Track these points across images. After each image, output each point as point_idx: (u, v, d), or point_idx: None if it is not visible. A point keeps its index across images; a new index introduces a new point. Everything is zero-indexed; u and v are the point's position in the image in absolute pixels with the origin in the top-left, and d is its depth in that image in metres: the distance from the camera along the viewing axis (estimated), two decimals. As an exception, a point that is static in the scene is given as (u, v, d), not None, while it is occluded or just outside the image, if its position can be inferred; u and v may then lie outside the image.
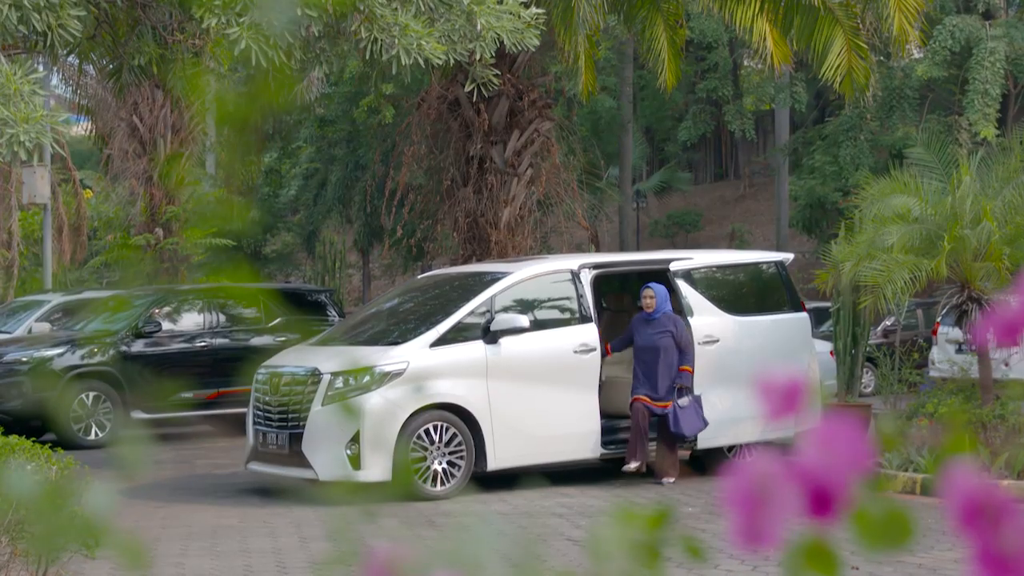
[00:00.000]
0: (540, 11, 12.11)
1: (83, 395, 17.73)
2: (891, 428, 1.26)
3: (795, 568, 1.23)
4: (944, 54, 28.89)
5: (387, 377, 12.76)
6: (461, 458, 13.02)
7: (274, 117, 34.81)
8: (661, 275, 14.47)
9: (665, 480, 13.54)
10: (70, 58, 11.48)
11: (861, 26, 18.28)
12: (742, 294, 14.77)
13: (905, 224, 14.39)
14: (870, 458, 1.22)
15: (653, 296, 13.76)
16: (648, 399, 13.59)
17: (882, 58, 26.71)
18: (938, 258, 13.80)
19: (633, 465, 13.45)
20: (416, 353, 12.99)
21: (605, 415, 13.72)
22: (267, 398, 13.36)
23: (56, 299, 21.68)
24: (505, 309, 13.42)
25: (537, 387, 13.25)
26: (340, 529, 1.48)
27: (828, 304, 18.65)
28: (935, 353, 21.74)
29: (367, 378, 12.76)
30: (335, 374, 12.85)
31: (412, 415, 12.82)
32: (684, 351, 13.63)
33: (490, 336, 13.17)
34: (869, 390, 21.40)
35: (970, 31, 28.92)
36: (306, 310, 19.73)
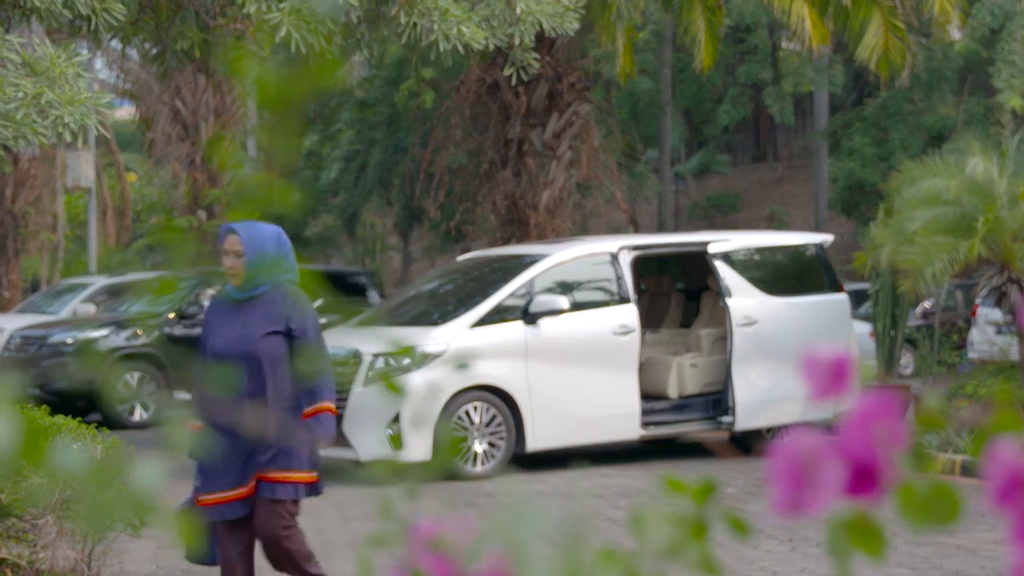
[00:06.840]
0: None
1: (128, 376, 17.90)
2: (937, 405, 1.26)
3: (839, 544, 1.25)
4: (983, 31, 28.64)
5: (428, 358, 12.83)
6: (501, 439, 13.09)
7: (316, 100, 34.90)
8: (700, 257, 14.48)
9: None
10: (113, 43, 11.55)
11: (899, 6, 18.15)
12: (781, 275, 14.75)
13: (934, 207, 14.30)
14: (911, 436, 1.25)
15: (241, 252, 6.78)
16: (235, 492, 6.60)
17: (922, 39, 26.49)
18: (972, 240, 13.70)
19: None
20: (456, 334, 13.06)
21: (644, 396, 13.76)
22: (309, 379, 13.41)
23: (100, 281, 21.87)
24: (545, 291, 13.46)
25: (576, 368, 13.29)
26: (385, 508, 1.52)
27: (866, 286, 18.59)
28: (974, 334, 21.62)
29: (408, 359, 12.85)
30: (376, 355, 12.93)
31: (453, 396, 12.89)
32: (314, 369, 6.61)
33: (530, 317, 13.21)
34: (908, 371, 21.32)
35: (1008, 8, 28.69)
36: (347, 292, 19.83)
